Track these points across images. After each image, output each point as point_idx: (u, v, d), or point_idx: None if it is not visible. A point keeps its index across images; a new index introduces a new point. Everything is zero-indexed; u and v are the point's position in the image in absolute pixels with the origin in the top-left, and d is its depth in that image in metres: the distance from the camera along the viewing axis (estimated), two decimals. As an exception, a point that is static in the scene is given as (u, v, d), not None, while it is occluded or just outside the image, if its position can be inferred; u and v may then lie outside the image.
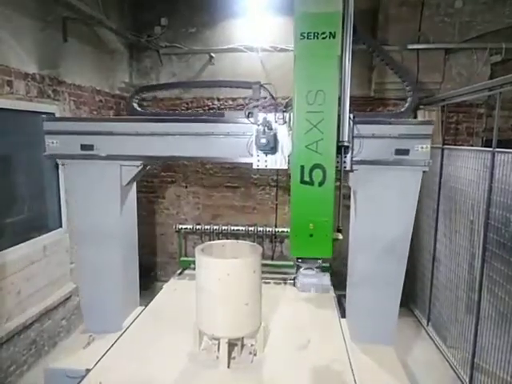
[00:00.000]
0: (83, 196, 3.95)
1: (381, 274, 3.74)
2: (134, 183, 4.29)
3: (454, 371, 4.23)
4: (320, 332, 3.99)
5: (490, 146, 3.67)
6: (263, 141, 3.46)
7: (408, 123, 3.62)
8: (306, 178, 3.16)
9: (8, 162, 4.12)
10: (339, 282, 6.00)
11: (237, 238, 5.13)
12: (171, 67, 6.31)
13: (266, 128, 3.49)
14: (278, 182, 6.34)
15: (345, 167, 3.46)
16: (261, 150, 3.60)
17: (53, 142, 3.85)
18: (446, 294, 4.65)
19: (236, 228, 6.24)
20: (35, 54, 4.23)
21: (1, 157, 4.02)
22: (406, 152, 3.44)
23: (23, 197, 4.35)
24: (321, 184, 3.16)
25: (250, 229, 6.19)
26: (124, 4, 5.91)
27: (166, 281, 5.55)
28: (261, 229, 6.23)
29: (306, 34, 3.02)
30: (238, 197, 6.51)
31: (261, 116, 3.57)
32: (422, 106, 5.62)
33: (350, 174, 3.61)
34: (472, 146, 5.77)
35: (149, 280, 6.56)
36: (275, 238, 6.46)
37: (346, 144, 3.31)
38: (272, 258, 6.45)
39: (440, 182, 4.84)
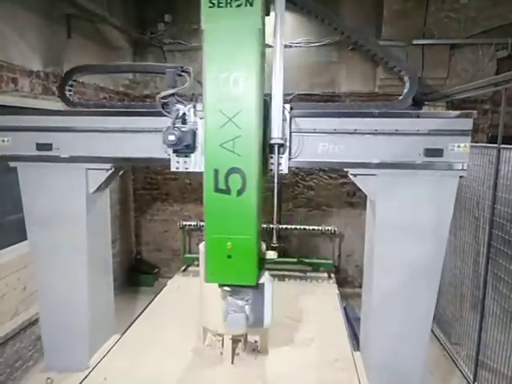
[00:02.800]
0: (41, 206, 3.30)
1: (406, 303, 3.10)
2: (107, 190, 3.64)
3: (459, 368, 4.22)
4: (323, 328, 4.00)
5: (496, 143, 3.65)
6: (171, 138, 2.76)
7: (441, 116, 2.90)
8: (221, 186, 2.45)
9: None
10: (343, 278, 6.05)
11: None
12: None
13: (176, 122, 2.85)
14: (281, 177, 6.35)
15: (281, 170, 2.87)
16: (172, 149, 2.95)
17: (3, 141, 3.18)
18: (451, 290, 4.64)
19: (239, 225, 6.20)
20: (39, 51, 4.24)
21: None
22: (438, 152, 2.79)
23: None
24: (240, 193, 2.45)
25: (253, 226, 6.16)
26: (128, 1, 5.90)
27: (170, 277, 5.58)
28: (263, 226, 6.22)
29: (215, 1, 2.41)
30: (241, 193, 6.51)
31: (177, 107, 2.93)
32: (427, 102, 5.60)
33: (364, 179, 2.98)
34: (477, 142, 5.73)
35: (153, 277, 6.61)
36: (278, 234, 6.47)
37: (279, 142, 2.72)
38: (275, 255, 6.44)
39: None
